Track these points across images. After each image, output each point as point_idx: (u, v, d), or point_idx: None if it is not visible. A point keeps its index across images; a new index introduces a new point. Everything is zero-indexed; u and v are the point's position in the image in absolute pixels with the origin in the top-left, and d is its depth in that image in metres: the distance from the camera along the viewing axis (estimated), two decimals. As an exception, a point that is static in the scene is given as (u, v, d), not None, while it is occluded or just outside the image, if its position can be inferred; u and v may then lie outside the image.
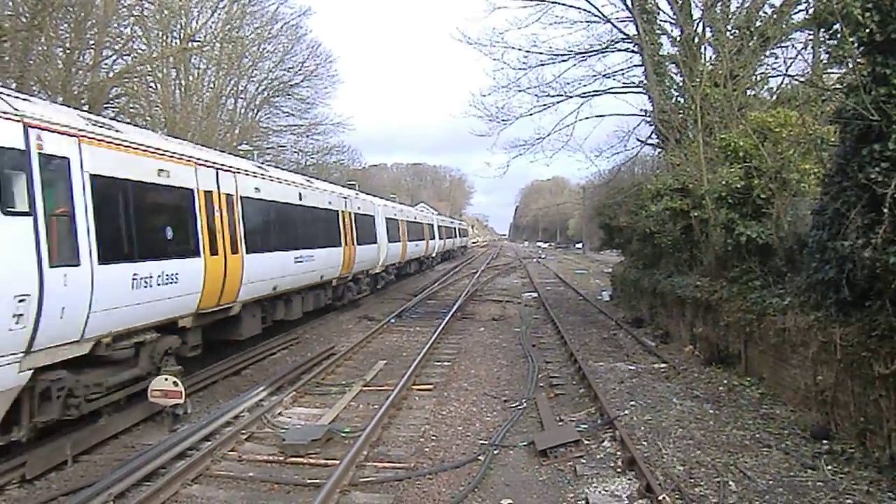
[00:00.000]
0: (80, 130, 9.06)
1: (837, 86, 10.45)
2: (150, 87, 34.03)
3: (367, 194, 33.43)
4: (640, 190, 20.78)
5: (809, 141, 11.61)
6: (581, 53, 23.68)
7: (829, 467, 7.92)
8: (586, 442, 9.11)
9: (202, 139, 39.59)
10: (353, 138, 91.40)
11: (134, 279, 9.85)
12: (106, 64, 31.32)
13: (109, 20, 28.38)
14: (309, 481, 7.83)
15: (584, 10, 23.15)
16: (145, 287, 10.11)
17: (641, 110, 23.56)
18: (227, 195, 13.41)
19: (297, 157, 60.61)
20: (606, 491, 7.54)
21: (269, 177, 16.33)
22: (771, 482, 7.59)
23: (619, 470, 8.14)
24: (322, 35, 67.76)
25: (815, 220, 10.05)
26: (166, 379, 9.77)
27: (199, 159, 12.61)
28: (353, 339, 17.46)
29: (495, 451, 8.93)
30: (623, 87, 24.08)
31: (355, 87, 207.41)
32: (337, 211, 21.90)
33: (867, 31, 8.09)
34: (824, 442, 8.75)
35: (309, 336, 18.54)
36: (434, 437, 9.53)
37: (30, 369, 7.83)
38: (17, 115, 7.87)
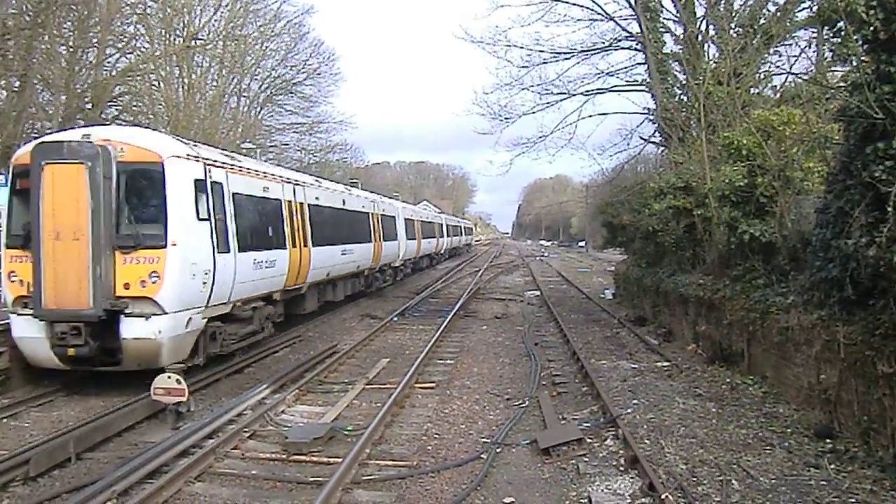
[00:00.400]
0: (225, 164, 13.49)
1: (841, 84, 10.39)
2: (153, 85, 34.07)
3: (388, 197, 39.01)
4: (643, 188, 20.76)
5: (813, 139, 11.57)
6: (584, 51, 23.67)
7: (833, 466, 7.90)
8: (589, 440, 9.10)
9: (205, 137, 39.64)
10: (356, 136, 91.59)
11: (254, 263, 14.20)
12: (109, 62, 31.36)
13: (112, 18, 28.41)
14: (311, 479, 7.84)
15: (588, 7, 23.16)
16: (259, 269, 14.47)
17: (644, 108, 23.55)
18: (300, 203, 17.72)
19: (300, 155, 60.62)
20: (609, 489, 7.53)
21: (324, 187, 21.20)
22: (774, 481, 7.58)
23: (621, 468, 8.13)
24: (325, 33, 67.90)
25: (818, 218, 10.02)
26: (169, 377, 9.78)
27: (284, 178, 17.35)
28: (355, 337, 17.47)
29: (498, 450, 8.92)
30: (626, 85, 24.06)
31: (358, 85, 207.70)
32: (368, 213, 26.17)
33: (871, 28, 8.04)
34: (827, 441, 8.72)
35: (311, 334, 18.56)
36: (437, 436, 9.54)
37: (205, 318, 12.30)
38: (200, 157, 12.47)
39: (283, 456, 8.64)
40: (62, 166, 10.82)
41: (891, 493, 7.08)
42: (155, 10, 33.32)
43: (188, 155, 12.19)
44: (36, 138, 13.72)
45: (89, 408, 10.90)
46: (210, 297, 12.21)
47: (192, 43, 37.46)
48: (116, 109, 32.53)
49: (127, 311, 11.06)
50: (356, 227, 23.91)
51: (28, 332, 11.18)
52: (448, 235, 56.99)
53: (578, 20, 23.30)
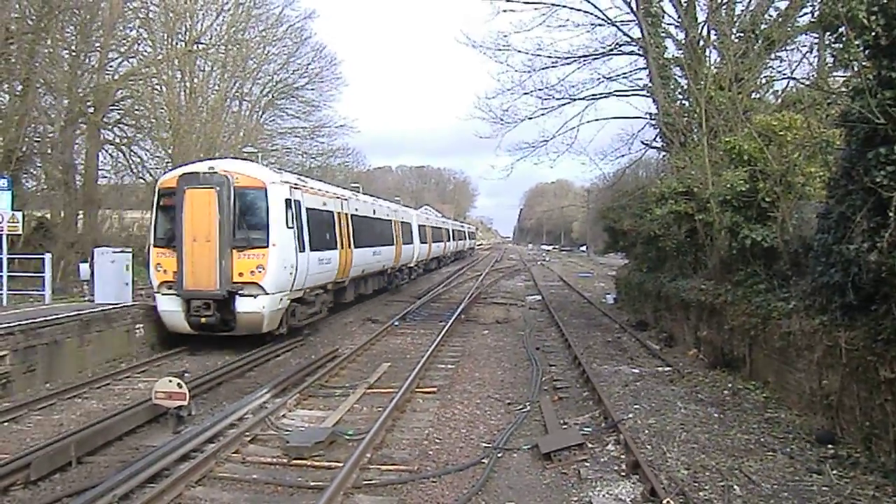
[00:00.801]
0: (300, 186, 17.99)
1: (843, 89, 10.41)
2: (156, 89, 34.13)
3: (405, 205, 44.64)
4: (645, 193, 20.77)
5: (815, 144, 11.58)
6: (586, 56, 23.68)
7: (835, 472, 7.88)
8: (590, 445, 9.08)
9: (207, 142, 39.68)
10: (358, 141, 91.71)
11: (318, 260, 18.25)
12: (111, 66, 31.47)
13: (115, 23, 28.51)
14: (312, 484, 7.83)
15: (589, 13, 23.13)
16: (321, 265, 18.53)
17: (646, 113, 23.54)
18: (346, 213, 22.20)
19: (302, 159, 60.72)
20: (611, 495, 7.52)
21: (361, 200, 26.16)
22: (776, 486, 7.56)
23: (623, 474, 8.11)
24: (327, 38, 68.21)
25: (820, 223, 10.02)
26: (170, 381, 9.78)
27: (334, 193, 22.18)
28: (356, 342, 17.46)
29: (499, 455, 8.91)
30: (628, 90, 24.09)
31: (360, 89, 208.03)
32: (391, 220, 30.58)
33: (873, 34, 8.06)
34: (829, 446, 8.71)
35: (313, 338, 18.56)
36: (438, 440, 9.52)
37: (289, 300, 16.52)
38: (286, 182, 16.84)
39: (284, 460, 8.63)
40: (199, 190, 15.35)
41: (893, 499, 7.06)
42: (157, 14, 33.41)
43: (280, 181, 16.73)
44: (38, 142, 17.08)
45: (90, 411, 10.92)
46: (293, 284, 16.58)
47: (195, 47, 37.57)
48: (118, 113, 32.62)
49: (241, 292, 15.34)
50: (383, 233, 28.44)
51: (170, 307, 15.66)
52: (454, 240, 61.84)
53: (580, 25, 23.34)
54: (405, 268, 34.50)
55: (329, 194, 21.17)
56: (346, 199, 23.00)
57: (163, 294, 15.71)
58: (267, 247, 15.49)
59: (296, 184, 17.76)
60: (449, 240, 56.81)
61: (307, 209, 17.81)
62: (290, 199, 16.55)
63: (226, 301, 15.29)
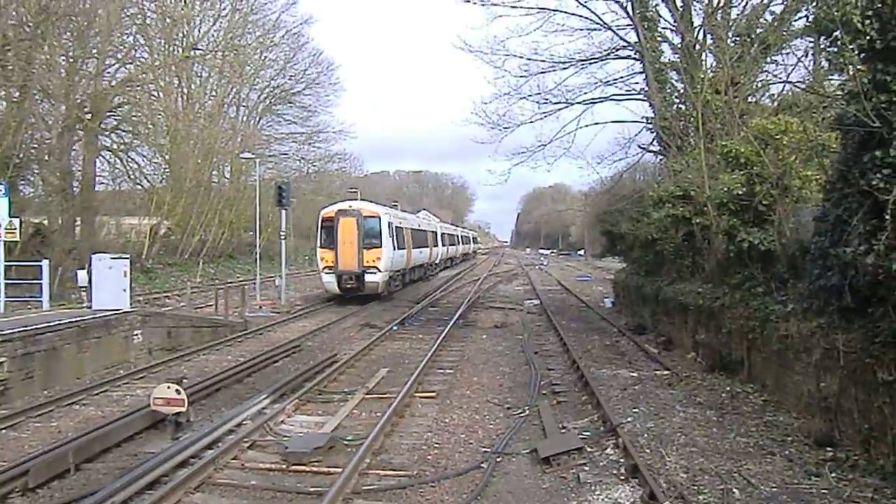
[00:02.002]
0: (391, 214, 31.91)
1: (838, 93, 10.45)
2: (153, 95, 34.16)
3: (432, 214, 65.14)
4: (642, 197, 20.81)
5: (811, 148, 11.63)
6: (582, 61, 23.71)
7: (833, 475, 7.89)
8: (589, 449, 9.09)
9: (204, 147, 39.66)
10: (355, 146, 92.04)
11: (399, 255, 31.47)
12: (108, 72, 31.51)
13: (112, 29, 28.54)
14: (312, 489, 7.82)
15: (585, 17, 23.20)
16: (401, 258, 31.98)
17: (643, 117, 23.57)
18: (407, 227, 34.69)
19: (300, 164, 60.74)
20: (610, 499, 7.52)
21: (413, 217, 44.32)
22: (775, 489, 7.57)
23: (622, 477, 8.11)
24: (324, 43, 68.47)
25: (817, 226, 10.04)
26: (169, 387, 9.77)
27: (403, 217, 36.89)
28: (355, 347, 17.44)
29: (498, 459, 8.90)
30: (624, 94, 24.09)
31: (358, 95, 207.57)
32: (426, 230, 43.97)
33: (867, 38, 8.10)
34: (828, 449, 8.72)
35: (311, 344, 18.55)
36: (437, 445, 9.52)
37: (390, 276, 30.20)
38: (387, 213, 30.79)
39: (283, 466, 8.61)
40: (347, 217, 27.49)
41: (892, 502, 7.07)
42: (154, 20, 33.45)
43: (384, 212, 29.60)
44: (35, 149, 16.99)
45: (88, 418, 10.89)
46: (391, 267, 29.16)
47: (192, 53, 37.57)
48: (116, 119, 32.62)
49: (368, 271, 27.26)
50: (425, 239, 42.39)
51: (330, 279, 27.67)
52: (462, 244, 76.05)
53: (576, 30, 23.39)
54: (432, 264, 47.25)
55: (399, 217, 35.06)
56: (405, 219, 37.10)
57: (325, 273, 27.90)
58: (381, 247, 28.03)
59: (388, 212, 30.93)
60: (459, 244, 71.85)
61: (396, 227, 30.83)
62: (390, 223, 29.66)
63: (360, 275, 27.47)
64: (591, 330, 21.57)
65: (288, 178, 46.11)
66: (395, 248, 29.83)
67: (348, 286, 27.60)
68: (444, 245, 54.03)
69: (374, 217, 28.52)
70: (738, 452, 8.85)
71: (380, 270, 27.69)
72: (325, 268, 27.71)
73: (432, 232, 48.18)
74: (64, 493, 7.79)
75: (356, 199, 31.44)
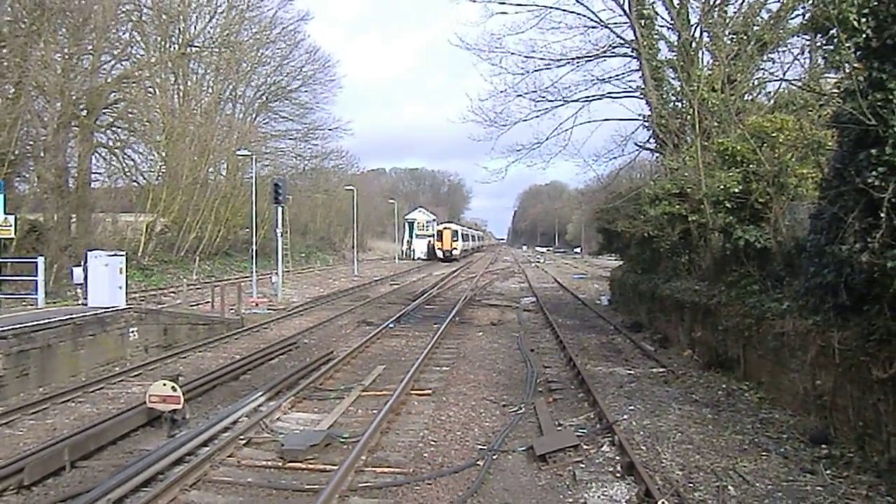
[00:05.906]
0: (458, 225, 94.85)
1: (834, 91, 10.46)
2: (149, 92, 34.05)
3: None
4: (639, 194, 20.81)
5: (807, 145, 11.65)
6: (579, 58, 23.71)
7: (829, 471, 7.92)
8: (585, 447, 9.10)
9: (200, 144, 39.56)
10: (351, 143, 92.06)
11: (462, 244, 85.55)
12: (104, 69, 31.40)
13: (108, 25, 28.45)
14: (307, 487, 7.81)
15: (582, 15, 23.19)
16: (462, 245, 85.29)
17: (639, 115, 23.59)
18: (462, 232, 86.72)
19: (296, 161, 60.63)
20: (606, 496, 7.53)
21: (458, 224, 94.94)
22: (770, 486, 7.59)
23: (618, 475, 8.13)
24: (321, 40, 68.31)
25: (812, 224, 10.07)
26: (164, 384, 9.75)
27: (460, 227, 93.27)
28: (351, 344, 17.43)
29: (494, 456, 8.91)
30: (621, 92, 24.12)
31: (354, 92, 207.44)
32: (468, 233, 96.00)
33: (863, 36, 8.13)
34: (823, 446, 8.75)
35: (307, 341, 18.54)
36: (433, 443, 9.52)
37: (461, 253, 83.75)
38: (459, 226, 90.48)
39: (279, 463, 8.60)
40: (447, 229, 79.87)
41: (887, 499, 7.10)
42: (150, 17, 33.35)
43: (457, 226, 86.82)
44: (30, 145, 17.06)
45: (84, 415, 10.87)
46: (461, 250, 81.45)
47: (188, 50, 37.47)
48: (111, 116, 32.52)
49: (454, 249, 78.43)
50: (467, 237, 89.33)
51: (440, 255, 77.58)
52: (476, 241, 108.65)
53: (573, 27, 23.38)
54: (468, 249, 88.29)
55: (461, 227, 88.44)
56: (461, 228, 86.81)
57: (437, 251, 77.29)
58: (458, 240, 78.22)
59: (457, 224, 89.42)
60: (474, 241, 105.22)
61: (462, 234, 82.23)
62: (460, 231, 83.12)
63: (450, 252, 76.49)
64: (588, 327, 21.60)
65: (284, 176, 46.07)
66: (462, 241, 78.28)
67: (444, 256, 75.03)
68: (473, 241, 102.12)
69: (454, 230, 78.52)
70: (734, 449, 8.87)
71: (458, 250, 77.12)
72: (438, 248, 76.68)
73: (470, 234, 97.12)
74: (59, 490, 7.77)
75: (449, 221, 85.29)
